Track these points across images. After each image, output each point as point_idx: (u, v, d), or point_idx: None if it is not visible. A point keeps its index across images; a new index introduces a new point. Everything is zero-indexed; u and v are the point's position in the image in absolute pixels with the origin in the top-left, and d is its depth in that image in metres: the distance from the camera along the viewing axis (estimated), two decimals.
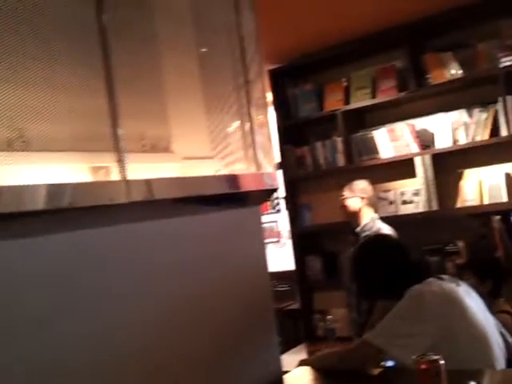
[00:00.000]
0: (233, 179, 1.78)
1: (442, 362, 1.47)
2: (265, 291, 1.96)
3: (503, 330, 2.18)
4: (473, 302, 2.01)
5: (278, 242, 6.76)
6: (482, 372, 1.73)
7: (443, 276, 2.09)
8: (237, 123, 1.85)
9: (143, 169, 1.45)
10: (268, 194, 1.97)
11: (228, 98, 1.84)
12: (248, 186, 1.84)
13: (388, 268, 2.08)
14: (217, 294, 1.75)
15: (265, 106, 1.91)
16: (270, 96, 4.22)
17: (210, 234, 1.77)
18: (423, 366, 1.48)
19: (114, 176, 1.32)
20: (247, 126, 1.85)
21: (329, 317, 4.07)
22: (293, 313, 5.10)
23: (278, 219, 6.75)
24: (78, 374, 1.28)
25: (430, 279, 2.01)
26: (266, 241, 6.82)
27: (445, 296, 1.94)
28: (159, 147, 1.52)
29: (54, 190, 1.18)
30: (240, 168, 1.82)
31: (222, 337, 1.74)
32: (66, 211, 1.21)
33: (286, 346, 4.48)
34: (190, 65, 1.72)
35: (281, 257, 6.07)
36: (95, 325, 1.32)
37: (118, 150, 1.31)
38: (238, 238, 1.88)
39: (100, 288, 1.35)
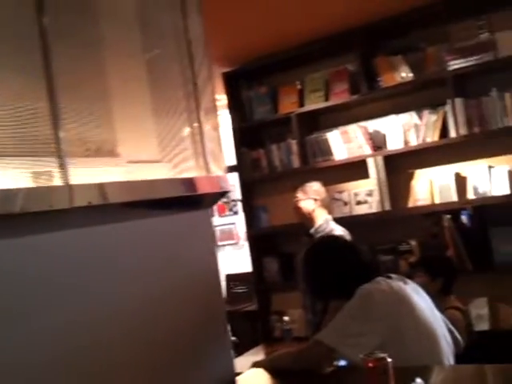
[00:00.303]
0: (183, 182, 1.78)
1: (389, 359, 1.50)
2: (216, 294, 1.96)
3: (451, 327, 2.24)
4: (420, 299, 2.06)
5: (236, 244, 6.77)
6: (429, 368, 1.77)
7: (391, 275, 2.13)
8: (186, 127, 1.84)
9: (88, 173, 1.43)
10: (219, 196, 1.97)
11: (177, 102, 1.83)
12: (199, 189, 1.83)
13: (338, 268, 2.11)
14: (168, 298, 1.74)
15: (214, 109, 1.91)
16: (224, 99, 4.23)
17: (160, 237, 1.77)
18: (370, 365, 1.50)
19: (57, 181, 1.30)
20: (196, 129, 1.85)
21: (285, 318, 4.09)
22: (251, 314, 5.11)
23: (236, 221, 6.75)
24: (36, 370, 1.27)
25: (379, 278, 2.04)
26: (224, 243, 6.79)
27: (393, 295, 1.98)
28: (104, 151, 1.51)
29: (6, 194, 1.16)
30: (189, 171, 1.82)
31: (173, 340, 1.74)
32: (14, 217, 1.19)
33: (244, 348, 4.49)
34: (137, 69, 1.71)
35: (239, 259, 6.09)
36: (47, 324, 1.31)
37: (59, 154, 1.29)
38: (188, 241, 1.87)
39: (48, 292, 1.33)
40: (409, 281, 2.12)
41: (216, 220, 6.99)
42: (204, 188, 1.80)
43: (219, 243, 7.02)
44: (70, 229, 1.41)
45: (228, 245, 6.93)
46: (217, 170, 1.90)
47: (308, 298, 3.43)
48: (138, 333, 1.60)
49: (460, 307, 3.06)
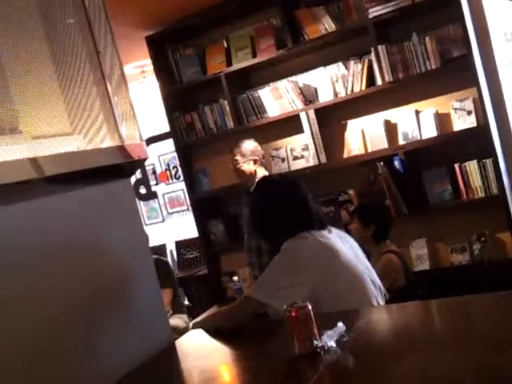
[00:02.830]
0: (97, 153, 1.75)
1: (309, 307, 1.54)
2: (146, 261, 1.96)
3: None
4: (345, 244, 2.10)
5: (187, 209, 6.75)
6: (354, 312, 1.83)
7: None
8: (95, 97, 1.80)
9: None
10: (138, 165, 1.95)
11: (83, 72, 1.79)
12: (114, 158, 1.81)
13: (283, 204, 2.09)
14: (96, 269, 1.75)
15: (122, 76, 1.87)
16: (150, 64, 4.15)
17: (81, 210, 1.75)
18: (293, 314, 1.54)
19: None
20: (106, 99, 1.81)
21: (235, 278, 4.16)
22: (203, 278, 5.17)
23: (183, 187, 6.72)
24: None
25: (302, 233, 2.04)
26: (174, 210, 6.71)
27: (318, 244, 2.00)
28: (5, 129, 1.46)
29: None
30: (103, 142, 1.78)
31: (106, 310, 1.75)
32: None
33: (201, 310, 4.55)
34: (35, 40, 1.65)
35: (188, 224, 6.08)
36: None
37: None
38: (110, 212, 1.86)
39: None
40: (332, 229, 2.15)
41: (163, 188, 6.95)
42: (117, 158, 1.78)
43: (169, 211, 7.00)
44: None
45: (178, 212, 6.92)
46: (132, 138, 1.88)
47: (253, 255, 3.48)
48: (66, 303, 1.61)
49: (396, 250, 3.16)
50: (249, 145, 3.61)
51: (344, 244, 2.09)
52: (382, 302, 2.09)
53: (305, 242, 2.01)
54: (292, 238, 2.02)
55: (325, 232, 2.07)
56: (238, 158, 3.58)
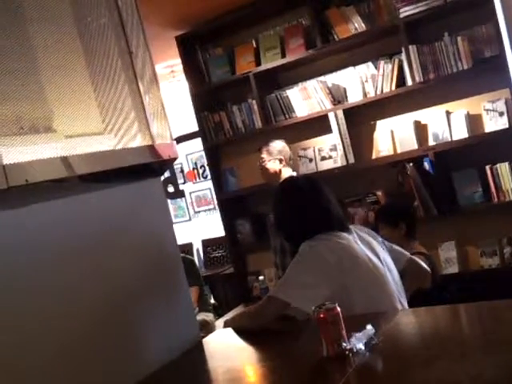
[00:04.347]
0: (129, 153, 1.77)
1: (338, 309, 1.54)
2: (174, 260, 1.98)
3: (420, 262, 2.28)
4: (367, 245, 2.07)
5: (214, 208, 6.78)
6: (382, 314, 1.81)
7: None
8: (127, 97, 1.82)
9: (23, 152, 1.41)
10: (168, 164, 1.97)
11: (115, 72, 1.81)
12: (145, 158, 1.83)
13: (303, 205, 2.10)
14: (125, 268, 1.76)
15: (154, 76, 1.88)
16: (180, 63, 4.17)
17: (112, 209, 1.77)
18: (322, 316, 1.53)
19: None
20: (138, 99, 1.83)
21: (260, 277, 4.16)
22: (230, 276, 5.19)
23: (210, 186, 6.75)
24: None
25: (320, 235, 2.03)
26: (200, 209, 6.76)
27: (338, 245, 1.99)
28: (39, 128, 1.49)
29: None
30: (134, 141, 1.80)
31: (133, 309, 1.76)
32: None
33: (227, 309, 4.58)
34: (68, 39, 1.67)
35: (215, 223, 6.12)
36: None
37: None
38: (141, 209, 1.88)
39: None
40: (354, 229, 2.12)
41: (190, 187, 6.99)
42: (147, 157, 1.79)
43: (196, 209, 7.04)
44: (12, 209, 1.42)
45: (205, 210, 6.96)
46: (163, 137, 1.89)
47: (278, 256, 3.47)
48: (95, 301, 1.63)
49: (424, 252, 3.11)
50: (277, 144, 3.60)
51: (364, 244, 2.06)
52: (405, 303, 2.06)
53: (323, 243, 1.99)
54: (310, 239, 2.01)
55: (345, 234, 2.04)
56: (264, 155, 3.57)
